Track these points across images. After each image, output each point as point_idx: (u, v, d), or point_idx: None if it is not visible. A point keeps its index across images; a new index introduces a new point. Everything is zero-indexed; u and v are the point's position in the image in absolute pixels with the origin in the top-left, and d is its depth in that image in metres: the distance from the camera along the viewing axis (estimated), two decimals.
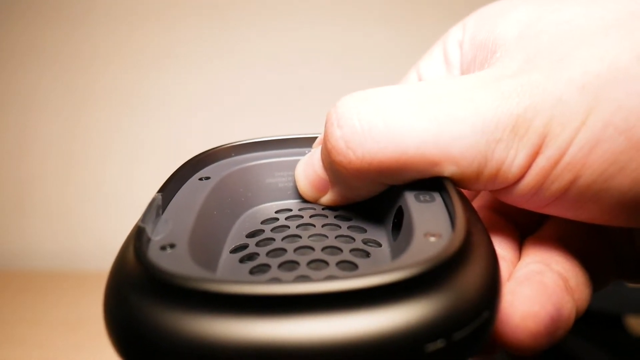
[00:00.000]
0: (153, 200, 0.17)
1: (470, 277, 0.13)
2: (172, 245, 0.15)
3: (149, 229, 0.15)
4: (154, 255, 0.14)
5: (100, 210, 0.69)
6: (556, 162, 0.16)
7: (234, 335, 0.12)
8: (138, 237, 0.15)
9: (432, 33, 0.59)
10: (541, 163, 0.16)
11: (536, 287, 0.17)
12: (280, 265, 0.16)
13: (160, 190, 0.18)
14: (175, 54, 0.64)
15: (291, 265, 0.16)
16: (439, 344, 0.12)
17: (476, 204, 0.23)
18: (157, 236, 0.15)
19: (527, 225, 0.21)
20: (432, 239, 0.15)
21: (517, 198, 0.17)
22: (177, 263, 0.14)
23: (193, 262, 0.14)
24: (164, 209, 0.17)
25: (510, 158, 0.16)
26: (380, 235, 0.19)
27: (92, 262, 0.69)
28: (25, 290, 0.62)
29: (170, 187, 0.18)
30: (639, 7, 0.16)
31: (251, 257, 0.17)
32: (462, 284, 0.13)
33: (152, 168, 0.68)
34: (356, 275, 0.12)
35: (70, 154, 0.67)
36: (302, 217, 0.20)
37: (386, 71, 0.63)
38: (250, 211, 0.21)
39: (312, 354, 0.12)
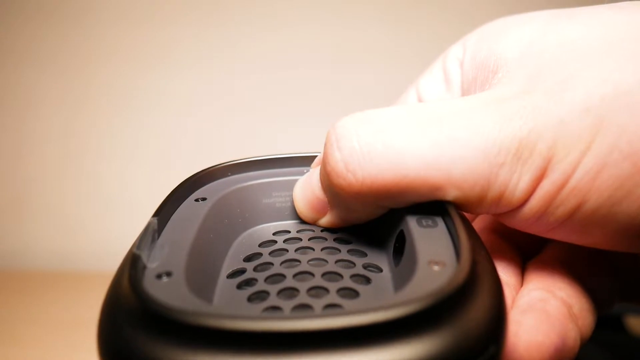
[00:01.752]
0: (149, 224, 0.17)
1: (477, 310, 0.13)
2: (168, 274, 0.14)
3: (144, 255, 0.15)
4: (150, 284, 0.14)
5: (98, 210, 0.69)
6: (561, 187, 0.15)
7: None
8: (133, 264, 0.14)
9: (431, 32, 0.60)
10: (546, 187, 0.16)
11: (540, 316, 0.16)
12: (279, 292, 0.16)
13: (156, 214, 0.17)
14: (173, 53, 0.63)
15: (290, 292, 0.16)
16: None
17: (477, 225, 0.23)
18: (153, 263, 0.15)
19: (530, 248, 0.21)
20: (436, 267, 0.14)
21: (521, 222, 0.17)
22: (173, 293, 0.14)
23: (190, 292, 0.14)
24: (159, 233, 0.17)
25: (514, 182, 0.16)
26: (381, 259, 0.18)
27: (90, 262, 0.68)
28: (24, 290, 0.62)
29: (166, 209, 0.18)
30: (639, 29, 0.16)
31: (249, 282, 0.17)
32: (469, 318, 0.13)
33: (150, 168, 0.67)
34: (359, 311, 0.12)
35: (68, 154, 0.67)
36: (300, 239, 0.19)
37: (384, 71, 0.63)
38: (247, 232, 0.20)
39: None
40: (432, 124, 0.16)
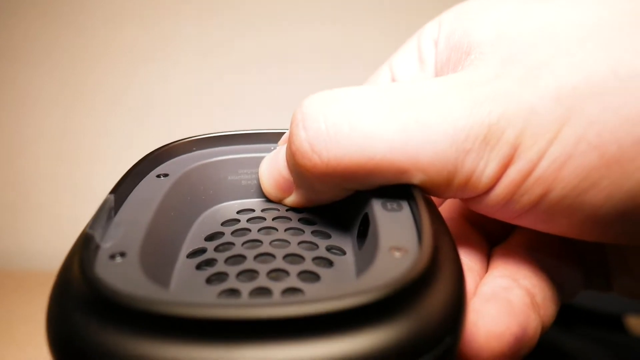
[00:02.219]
0: (105, 202, 0.16)
1: (435, 300, 0.13)
2: (122, 254, 0.14)
3: (97, 235, 0.14)
4: (102, 266, 0.13)
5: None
6: (527, 175, 0.15)
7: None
8: (85, 245, 0.14)
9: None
10: (512, 175, 0.16)
11: (502, 305, 0.16)
12: (239, 274, 0.15)
13: (114, 190, 0.17)
14: (171, 52, 0.62)
15: (250, 274, 0.15)
16: None
17: (446, 209, 0.23)
18: (106, 243, 0.14)
19: (497, 234, 0.21)
20: (397, 254, 0.14)
21: (487, 208, 0.17)
22: (126, 276, 0.13)
23: (143, 275, 0.13)
24: (116, 211, 0.16)
25: (481, 168, 0.16)
26: (345, 241, 0.18)
27: None
28: (23, 290, 0.61)
29: (125, 185, 0.17)
30: (616, 16, 0.16)
31: (209, 263, 0.16)
32: (425, 309, 0.12)
33: None
34: (310, 300, 0.11)
35: (66, 154, 0.66)
36: (264, 219, 0.19)
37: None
38: (210, 210, 0.20)
39: None
40: (401, 107, 0.16)
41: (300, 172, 0.17)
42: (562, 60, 0.15)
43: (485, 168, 0.16)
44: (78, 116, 0.64)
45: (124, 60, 0.63)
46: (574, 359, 0.40)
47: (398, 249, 0.14)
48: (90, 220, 0.15)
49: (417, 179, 0.16)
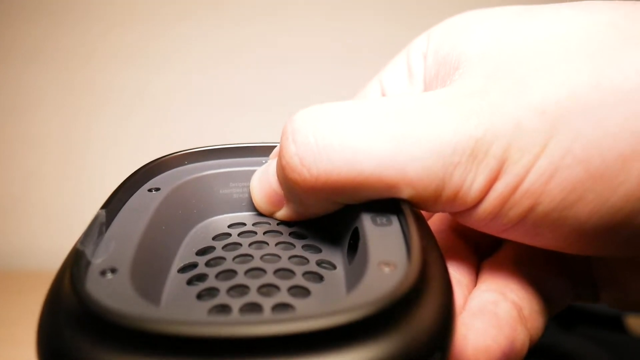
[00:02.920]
0: (96, 217, 0.16)
1: (424, 316, 0.13)
2: (113, 270, 0.14)
3: (88, 251, 0.15)
4: (93, 282, 0.13)
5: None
6: (514, 189, 0.16)
7: None
8: (76, 261, 0.14)
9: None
10: (499, 189, 0.16)
11: (489, 319, 0.16)
12: (229, 290, 0.15)
13: (105, 206, 0.17)
14: (175, 53, 0.62)
15: (241, 289, 0.15)
16: None
17: (435, 222, 0.23)
18: (97, 259, 0.15)
19: (486, 246, 0.21)
20: (387, 269, 0.14)
21: (476, 222, 0.17)
22: (116, 292, 0.13)
23: (134, 291, 0.13)
24: (107, 226, 0.16)
25: (469, 182, 0.16)
26: (336, 255, 0.18)
27: None
28: (24, 290, 0.59)
29: (117, 200, 0.17)
30: (599, 31, 0.16)
31: (200, 278, 0.16)
32: (414, 325, 0.12)
33: None
34: (298, 318, 0.11)
35: (68, 153, 0.65)
36: (255, 233, 0.19)
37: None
38: (202, 224, 0.20)
39: None
40: (390, 121, 0.16)
41: (290, 186, 0.17)
42: (546, 74, 0.15)
43: (473, 182, 0.16)
44: (82, 116, 0.64)
45: (131, 62, 0.63)
46: (574, 359, 0.40)
47: (387, 264, 0.14)
48: (81, 236, 0.15)
49: (405, 193, 0.16)
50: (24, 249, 0.68)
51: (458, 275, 0.19)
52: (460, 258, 0.20)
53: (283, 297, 0.15)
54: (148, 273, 0.15)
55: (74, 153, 0.66)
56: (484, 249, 0.21)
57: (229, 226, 0.20)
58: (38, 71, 0.63)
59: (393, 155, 0.15)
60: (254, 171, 0.21)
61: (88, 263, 0.14)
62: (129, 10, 0.61)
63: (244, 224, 0.20)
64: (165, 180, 0.20)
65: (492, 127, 0.15)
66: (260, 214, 0.20)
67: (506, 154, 0.15)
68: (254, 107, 0.64)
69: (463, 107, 0.16)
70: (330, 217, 0.19)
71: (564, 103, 0.15)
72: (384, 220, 0.17)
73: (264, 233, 0.19)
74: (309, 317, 0.12)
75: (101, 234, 0.16)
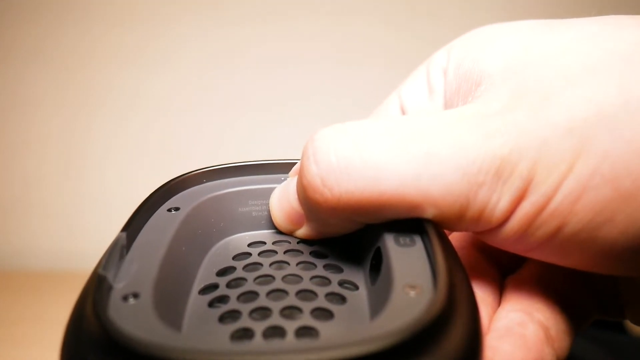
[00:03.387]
0: (117, 240, 0.16)
1: (452, 341, 0.13)
2: (135, 295, 0.14)
3: (110, 275, 0.14)
4: (115, 308, 0.13)
5: (99, 210, 0.68)
6: (541, 209, 0.15)
7: None
8: (98, 287, 0.14)
9: (431, 34, 0.60)
10: (526, 208, 0.15)
11: (516, 341, 0.16)
12: (251, 312, 0.15)
13: (125, 228, 0.17)
14: (175, 54, 0.63)
15: (263, 312, 0.15)
16: None
17: (457, 239, 0.23)
18: (119, 283, 0.14)
19: (509, 263, 0.21)
20: (412, 293, 0.14)
21: (501, 241, 0.17)
22: (139, 319, 0.13)
23: (157, 318, 0.13)
24: (128, 248, 0.16)
25: (494, 202, 0.15)
26: (358, 275, 0.18)
27: (91, 262, 0.67)
28: (24, 290, 0.61)
29: (137, 221, 0.17)
30: (626, 47, 0.16)
31: (221, 299, 0.16)
32: (443, 351, 0.12)
33: (151, 168, 0.67)
34: (325, 347, 0.11)
35: (68, 154, 0.66)
36: (276, 252, 0.19)
37: (386, 72, 0.63)
38: (221, 242, 0.20)
39: None
40: (412, 140, 0.16)
41: (311, 205, 0.17)
42: (572, 91, 0.15)
43: (498, 202, 0.15)
44: (83, 117, 0.65)
45: (131, 62, 0.63)
46: (574, 359, 0.39)
47: (412, 287, 0.14)
48: (102, 260, 0.15)
49: (428, 213, 0.16)
50: (24, 249, 0.69)
51: (482, 293, 0.19)
52: (483, 276, 0.20)
53: (306, 320, 0.15)
54: (170, 296, 0.15)
55: (73, 153, 0.66)
56: (506, 266, 0.21)
57: (249, 245, 0.20)
58: (38, 71, 0.63)
59: (416, 175, 0.15)
60: (273, 189, 0.21)
61: (110, 288, 0.14)
62: (129, 10, 0.62)
63: (264, 243, 0.20)
64: (184, 199, 0.20)
65: (518, 146, 0.15)
66: (279, 232, 0.20)
67: (532, 173, 0.15)
68: (253, 107, 0.64)
69: (488, 126, 0.15)
70: (351, 236, 0.19)
71: (591, 121, 0.14)
72: (407, 240, 0.16)
73: (285, 252, 0.19)
74: (335, 346, 0.11)
75: (122, 257, 0.16)
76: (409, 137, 0.16)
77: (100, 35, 0.62)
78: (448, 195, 0.15)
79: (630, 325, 0.43)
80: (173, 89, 0.64)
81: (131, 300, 0.14)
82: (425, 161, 0.15)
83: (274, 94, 0.64)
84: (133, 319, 0.13)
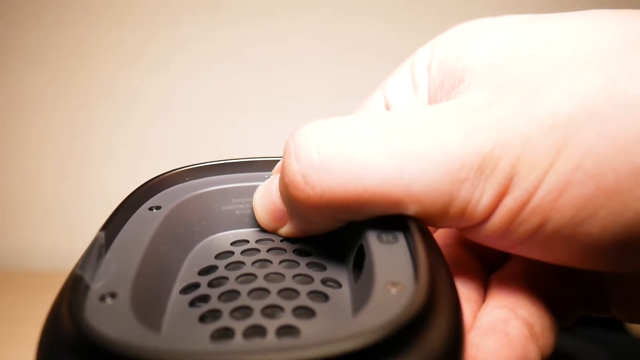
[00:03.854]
0: (95, 240, 0.16)
1: (433, 339, 0.12)
2: (112, 295, 0.14)
3: (87, 275, 0.14)
4: (92, 309, 0.13)
5: (98, 210, 0.67)
6: (524, 205, 0.15)
7: None
8: (74, 288, 0.14)
9: (431, 34, 0.59)
10: (508, 204, 0.15)
11: (500, 339, 0.16)
12: (232, 312, 0.15)
13: (104, 227, 0.16)
14: (175, 54, 0.62)
15: (244, 311, 0.15)
16: None
17: (441, 234, 0.22)
18: (97, 283, 0.14)
19: (493, 260, 0.21)
20: (394, 290, 0.14)
21: (484, 238, 0.17)
22: (116, 319, 0.13)
23: (134, 318, 0.13)
24: (107, 248, 0.16)
25: (476, 198, 0.15)
26: (341, 273, 0.18)
27: None
28: (24, 290, 0.61)
29: (116, 220, 0.17)
30: (610, 41, 0.16)
31: (202, 298, 0.16)
32: (424, 348, 0.12)
33: (151, 168, 0.66)
34: (307, 345, 0.11)
35: (68, 153, 0.66)
36: (258, 250, 0.19)
37: (384, 73, 0.62)
38: (204, 241, 0.20)
39: None
40: (395, 136, 0.16)
41: (294, 203, 0.17)
42: (557, 87, 0.15)
43: (480, 198, 0.15)
44: (83, 117, 0.65)
45: (131, 62, 0.63)
46: (574, 359, 0.39)
47: (394, 284, 0.14)
48: (79, 260, 0.15)
49: (411, 210, 0.16)
50: (24, 249, 0.69)
51: (466, 290, 0.19)
52: (468, 273, 0.20)
53: (287, 319, 0.15)
54: (149, 296, 0.15)
55: (73, 153, 0.66)
56: (491, 262, 0.21)
57: (232, 244, 0.19)
58: (38, 71, 0.63)
59: (398, 171, 0.15)
60: (256, 187, 0.20)
61: (87, 288, 0.14)
62: (129, 10, 0.61)
63: (247, 241, 0.19)
64: (166, 198, 0.19)
65: (500, 142, 0.15)
66: (263, 230, 0.20)
67: (514, 169, 0.15)
68: (252, 107, 0.64)
69: (470, 122, 0.15)
70: (334, 233, 0.18)
71: (574, 116, 0.14)
72: (390, 237, 0.16)
73: (267, 250, 0.18)
74: (314, 344, 0.11)
75: (100, 256, 0.16)
76: (391, 133, 0.16)
77: (100, 35, 0.62)
78: (431, 192, 0.15)
79: (630, 325, 0.43)
80: (173, 89, 0.64)
81: (108, 301, 0.14)
82: (407, 158, 0.15)
83: (273, 94, 0.64)
84: (110, 319, 0.13)
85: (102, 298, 0.14)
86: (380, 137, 0.16)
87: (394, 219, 0.16)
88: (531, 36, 0.17)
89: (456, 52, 0.19)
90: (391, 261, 0.15)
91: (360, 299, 0.15)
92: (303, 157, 0.16)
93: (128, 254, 0.16)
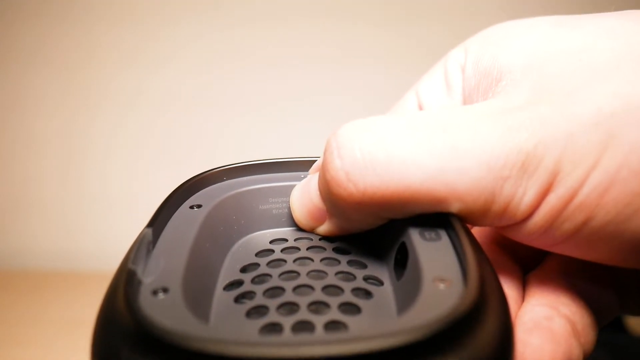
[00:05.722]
0: (143, 236, 0.16)
1: (486, 334, 0.13)
2: (165, 290, 0.14)
3: (139, 270, 0.14)
4: (146, 302, 0.13)
5: (98, 210, 0.69)
6: (568, 202, 0.15)
7: None
8: (129, 281, 0.14)
9: (433, 37, 0.60)
10: (552, 202, 0.15)
11: (545, 335, 0.16)
12: (279, 307, 0.15)
13: (150, 224, 0.17)
14: (176, 54, 0.63)
15: (290, 307, 0.15)
16: None
17: (476, 234, 0.22)
18: (148, 278, 0.14)
19: (529, 259, 0.21)
20: (442, 286, 0.14)
21: (525, 236, 0.17)
22: (170, 312, 0.13)
23: (188, 311, 0.13)
24: (154, 244, 0.16)
25: (519, 196, 0.15)
26: (382, 271, 0.18)
27: (90, 262, 0.68)
28: (24, 290, 0.62)
29: (161, 218, 0.17)
30: None
31: (247, 295, 0.16)
32: (478, 343, 0.12)
33: (150, 168, 0.67)
34: (364, 337, 0.11)
35: (68, 153, 0.66)
36: (298, 249, 0.19)
37: (386, 74, 0.63)
38: (243, 240, 0.20)
39: None
40: (436, 134, 0.16)
41: (335, 201, 0.17)
42: (597, 85, 0.15)
43: (523, 195, 0.15)
44: (83, 117, 0.65)
45: (131, 62, 0.63)
46: None
47: (442, 280, 0.14)
48: (129, 254, 0.15)
49: (454, 207, 0.16)
50: (24, 249, 0.69)
51: (506, 289, 0.19)
52: (506, 272, 0.20)
53: (334, 314, 0.15)
54: (197, 291, 0.15)
55: (73, 153, 0.67)
56: (527, 262, 0.21)
57: (271, 242, 0.20)
58: (38, 71, 0.64)
59: (441, 168, 0.15)
60: (292, 186, 0.21)
61: (139, 282, 0.14)
62: (129, 10, 0.62)
63: (286, 240, 0.20)
64: (205, 197, 0.20)
65: (543, 140, 0.15)
66: (300, 229, 0.20)
67: (558, 166, 0.15)
68: (252, 107, 0.65)
69: (511, 120, 0.15)
70: (374, 231, 0.18)
71: (618, 114, 0.14)
72: (433, 234, 0.16)
73: (307, 249, 0.19)
74: (367, 338, 0.11)
75: (149, 252, 0.16)
76: (432, 131, 0.16)
77: (100, 35, 0.63)
78: (473, 189, 0.15)
79: (630, 325, 0.43)
80: (173, 89, 0.64)
81: (161, 295, 0.14)
82: (450, 155, 0.15)
83: (273, 95, 0.64)
84: (164, 312, 0.13)
85: (155, 292, 0.14)
86: (422, 135, 0.16)
87: (435, 217, 0.17)
88: (567, 37, 0.17)
89: (491, 53, 0.19)
90: (436, 258, 0.15)
91: (406, 296, 0.15)
92: (346, 155, 0.16)
93: (175, 251, 0.16)
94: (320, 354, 0.11)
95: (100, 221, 0.69)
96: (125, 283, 0.14)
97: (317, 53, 0.63)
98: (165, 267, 0.15)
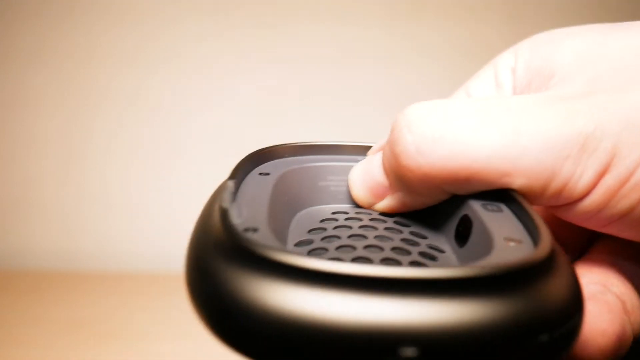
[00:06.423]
0: (226, 186, 0.17)
1: (562, 281, 0.14)
2: (255, 229, 0.15)
3: (232, 211, 0.15)
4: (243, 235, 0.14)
5: (98, 210, 0.69)
6: (625, 181, 0.16)
7: (334, 313, 0.12)
8: (224, 216, 0.15)
9: (433, 37, 0.61)
10: (609, 181, 0.16)
11: (602, 304, 0.17)
12: (353, 260, 0.16)
13: (231, 177, 0.18)
14: (176, 54, 0.64)
15: (364, 261, 0.16)
16: (545, 337, 0.12)
17: None
18: (238, 219, 0.15)
19: (575, 246, 0.22)
20: (513, 244, 0.15)
21: (579, 215, 0.18)
22: (268, 243, 0.14)
23: (281, 245, 0.14)
24: (235, 196, 0.17)
25: (578, 174, 0.16)
26: (442, 242, 0.19)
27: (90, 262, 0.68)
28: (24, 290, 0.61)
29: (238, 175, 0.18)
30: None
31: (318, 251, 0.17)
32: (558, 286, 0.13)
33: (151, 168, 0.67)
34: (454, 266, 0.12)
35: (68, 154, 0.67)
36: (361, 219, 0.20)
37: (386, 74, 0.65)
38: (304, 211, 0.21)
39: (418, 335, 0.12)
40: (500, 115, 0.17)
41: (402, 173, 0.18)
42: None
43: (582, 175, 0.16)
44: (83, 117, 0.65)
45: (131, 62, 0.64)
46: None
47: (512, 239, 0.15)
48: (218, 197, 0.16)
49: (517, 183, 0.17)
50: (24, 249, 0.69)
51: None
52: None
53: (414, 258, 0.16)
54: (279, 238, 0.16)
55: (73, 153, 0.67)
56: (571, 249, 0.22)
57: (333, 213, 0.20)
58: (38, 71, 0.64)
59: (505, 145, 0.16)
60: (350, 167, 0.22)
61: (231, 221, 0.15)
62: (129, 10, 0.63)
63: (347, 212, 0.21)
64: (271, 167, 0.21)
65: (601, 124, 0.16)
66: (358, 206, 0.21)
67: (615, 149, 0.16)
68: (253, 107, 0.65)
69: (569, 107, 0.17)
70: (431, 209, 0.19)
71: None
72: (495, 207, 0.17)
73: (370, 220, 0.20)
74: (453, 267, 0.12)
75: (234, 200, 0.17)
76: (495, 113, 0.17)
77: (100, 35, 0.63)
78: (536, 167, 0.16)
79: None
80: (173, 89, 0.65)
81: (252, 233, 0.15)
82: (514, 134, 0.16)
83: (273, 95, 0.65)
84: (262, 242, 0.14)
85: (246, 230, 0.15)
86: (486, 116, 0.17)
87: (495, 193, 0.18)
88: (617, 38, 0.19)
89: (543, 54, 0.21)
90: (502, 224, 0.16)
91: (475, 256, 0.16)
92: (416, 130, 0.17)
93: (256, 203, 0.17)
94: (415, 276, 0.12)
95: (100, 221, 0.68)
96: (221, 217, 0.15)
97: (317, 53, 0.64)
98: (250, 215, 0.16)
